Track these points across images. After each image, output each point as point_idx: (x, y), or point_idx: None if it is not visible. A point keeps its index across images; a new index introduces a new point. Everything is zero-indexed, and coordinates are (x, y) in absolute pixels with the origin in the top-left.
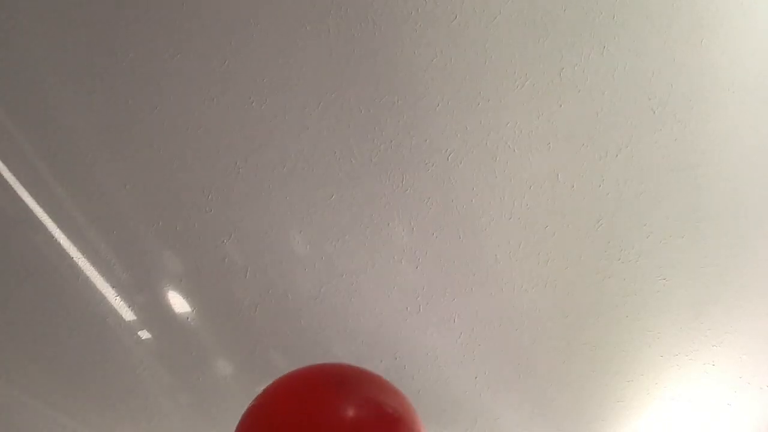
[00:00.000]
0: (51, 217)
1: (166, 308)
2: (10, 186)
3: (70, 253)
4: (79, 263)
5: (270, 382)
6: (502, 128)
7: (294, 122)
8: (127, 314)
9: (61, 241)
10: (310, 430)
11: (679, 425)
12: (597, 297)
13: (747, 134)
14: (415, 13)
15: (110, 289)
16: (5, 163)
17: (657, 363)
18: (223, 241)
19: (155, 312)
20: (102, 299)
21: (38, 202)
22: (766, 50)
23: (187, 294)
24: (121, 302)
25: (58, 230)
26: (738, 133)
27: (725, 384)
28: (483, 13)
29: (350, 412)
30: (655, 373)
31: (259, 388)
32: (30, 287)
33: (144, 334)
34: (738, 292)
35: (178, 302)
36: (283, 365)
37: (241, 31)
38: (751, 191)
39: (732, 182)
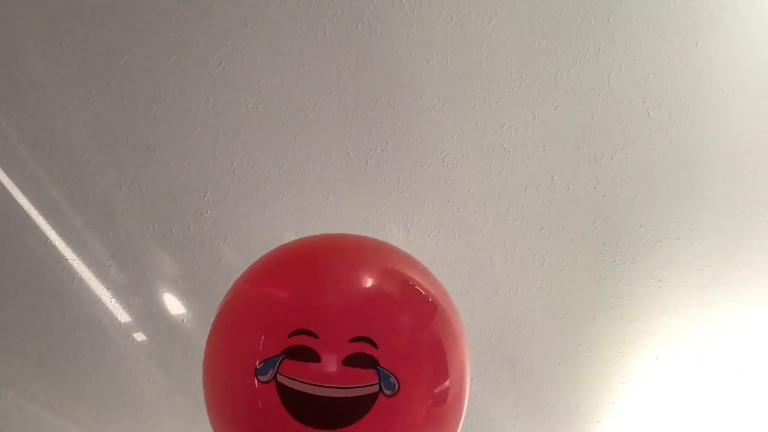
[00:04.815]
0: (46, 218)
1: (162, 310)
2: (5, 187)
3: (65, 255)
4: (74, 265)
5: None
6: (497, 130)
7: (290, 124)
8: (123, 316)
9: (56, 243)
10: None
11: (674, 427)
12: (592, 299)
13: (742, 136)
14: (411, 15)
15: (105, 290)
16: (0, 164)
17: (652, 365)
18: (219, 243)
19: (151, 314)
20: (97, 301)
21: (33, 203)
22: (761, 52)
23: (183, 296)
24: (117, 304)
25: (53, 231)
26: (733, 135)
27: (721, 387)
28: (479, 15)
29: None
30: (651, 375)
31: None
32: (25, 289)
33: (139, 336)
34: (733, 294)
35: (174, 304)
36: None
37: (238, 32)
38: (746, 193)
39: (727, 184)
